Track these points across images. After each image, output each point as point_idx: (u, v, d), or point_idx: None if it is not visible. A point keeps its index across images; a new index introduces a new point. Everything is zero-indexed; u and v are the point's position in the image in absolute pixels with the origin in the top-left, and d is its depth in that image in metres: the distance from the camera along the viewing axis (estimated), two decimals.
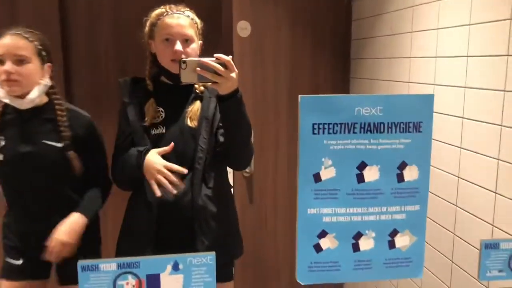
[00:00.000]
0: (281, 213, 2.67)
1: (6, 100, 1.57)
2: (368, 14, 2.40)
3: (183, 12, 1.50)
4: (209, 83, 1.34)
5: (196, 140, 1.49)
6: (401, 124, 0.99)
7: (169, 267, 0.98)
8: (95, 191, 1.68)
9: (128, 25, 2.43)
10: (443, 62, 1.76)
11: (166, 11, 1.49)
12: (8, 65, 1.50)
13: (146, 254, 1.40)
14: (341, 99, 0.97)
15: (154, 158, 1.42)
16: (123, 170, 1.52)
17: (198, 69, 1.31)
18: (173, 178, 1.40)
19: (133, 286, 0.98)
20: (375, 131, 0.98)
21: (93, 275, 0.97)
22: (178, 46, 1.44)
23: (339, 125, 0.97)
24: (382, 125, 0.98)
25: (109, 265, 0.97)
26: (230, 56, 1.33)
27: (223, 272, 1.46)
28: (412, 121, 0.99)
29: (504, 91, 1.43)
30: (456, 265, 1.71)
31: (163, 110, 1.52)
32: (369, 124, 0.98)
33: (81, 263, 0.96)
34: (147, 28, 1.53)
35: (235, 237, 1.67)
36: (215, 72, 1.31)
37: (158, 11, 1.50)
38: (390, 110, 0.98)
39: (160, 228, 1.50)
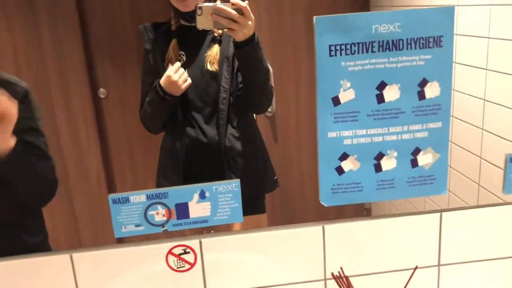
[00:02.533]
0: (305, 148, 2.69)
1: None
2: None
3: None
4: (225, 29, 1.32)
5: (219, 81, 1.49)
6: (421, 39, 0.96)
7: (196, 196, 1.02)
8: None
9: None
10: None
11: None
12: None
13: None
14: (357, 17, 0.94)
15: (164, 77, 1.43)
16: (151, 112, 1.53)
17: (214, 15, 1.29)
18: (182, 72, 1.42)
19: (163, 215, 1.02)
20: (394, 49, 0.96)
21: (124, 207, 1.02)
22: None
23: (356, 45, 0.95)
24: (401, 41, 0.95)
25: (138, 197, 1.01)
26: (247, 1, 1.29)
27: (255, 206, 1.50)
28: (433, 35, 0.96)
29: None
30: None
31: (183, 54, 1.51)
32: (387, 42, 0.95)
33: (111, 195, 1.00)
34: None
35: (265, 173, 1.70)
36: (231, 19, 1.28)
37: None
38: (409, 25, 0.94)
39: (190, 169, 1.53)
